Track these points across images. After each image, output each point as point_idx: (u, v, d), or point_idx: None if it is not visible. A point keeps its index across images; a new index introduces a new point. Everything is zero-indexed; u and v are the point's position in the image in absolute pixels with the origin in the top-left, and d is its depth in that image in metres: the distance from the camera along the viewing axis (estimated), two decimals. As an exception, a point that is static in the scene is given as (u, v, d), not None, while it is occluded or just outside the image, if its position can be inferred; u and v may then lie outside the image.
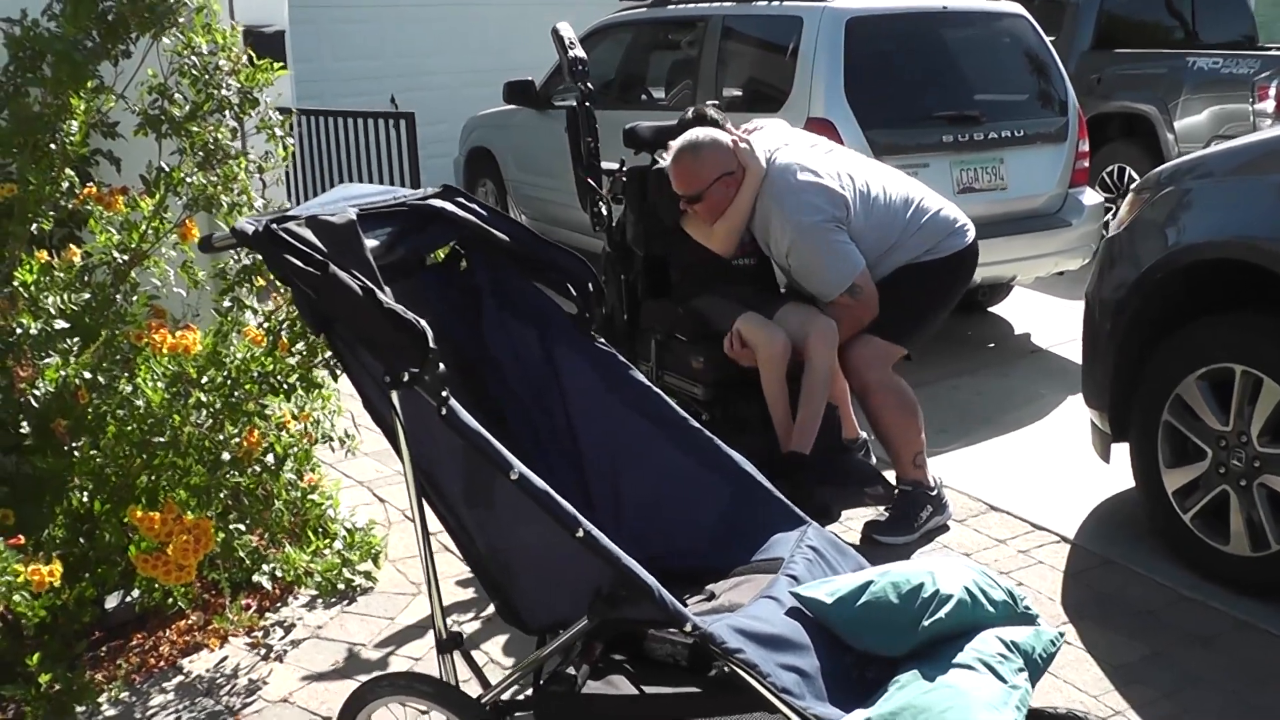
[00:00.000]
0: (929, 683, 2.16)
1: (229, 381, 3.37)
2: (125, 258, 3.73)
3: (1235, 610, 3.70)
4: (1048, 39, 7.08)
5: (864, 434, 4.63)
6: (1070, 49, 9.31)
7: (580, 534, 2.27)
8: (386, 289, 2.40)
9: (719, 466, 2.83)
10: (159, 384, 3.30)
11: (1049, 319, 7.42)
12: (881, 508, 4.33)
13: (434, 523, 4.40)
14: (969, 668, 2.19)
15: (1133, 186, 4.44)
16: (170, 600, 3.60)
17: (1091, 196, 6.99)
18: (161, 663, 3.56)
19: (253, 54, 3.90)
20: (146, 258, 3.80)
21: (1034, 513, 4.49)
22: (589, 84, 4.60)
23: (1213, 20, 10.26)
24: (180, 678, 3.50)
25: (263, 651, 3.62)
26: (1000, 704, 2.11)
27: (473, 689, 2.58)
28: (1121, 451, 4.31)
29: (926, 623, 2.26)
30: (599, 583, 2.32)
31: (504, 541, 2.52)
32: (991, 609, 2.35)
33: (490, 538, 2.53)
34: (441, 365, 2.32)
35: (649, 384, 2.88)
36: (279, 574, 3.86)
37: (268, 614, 3.82)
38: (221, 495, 3.40)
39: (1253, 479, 3.74)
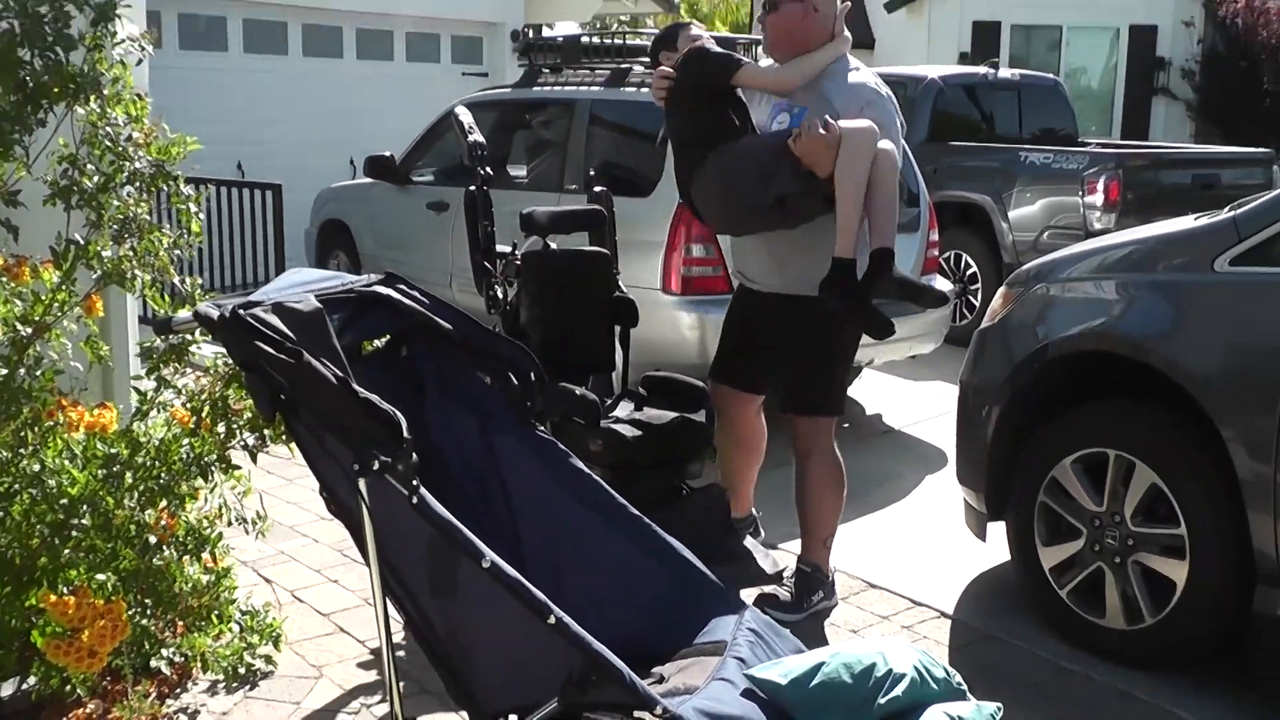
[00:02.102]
0: (890, 760, 2.28)
1: (156, 463, 3.32)
2: (28, 330, 3.65)
3: (1115, 681, 3.93)
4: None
5: (755, 511, 4.76)
6: (907, 141, 9.80)
7: (552, 620, 2.34)
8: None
9: (658, 553, 2.92)
10: (84, 464, 3.23)
11: (899, 400, 7.75)
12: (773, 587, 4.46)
13: (333, 603, 4.42)
14: (925, 744, 2.32)
15: (1005, 281, 4.72)
16: (69, 688, 3.50)
17: (942, 283, 7.35)
18: (63, 755, 3.45)
19: (166, 127, 3.89)
20: (48, 330, 3.73)
21: (912, 589, 4.68)
22: (488, 168, 4.69)
23: (1037, 117, 10.92)
24: (85, 770, 3.40)
25: (168, 741, 3.55)
26: (960, 779, 2.24)
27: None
28: (993, 529, 4.55)
29: (883, 700, 2.38)
30: (566, 667, 2.39)
31: (467, 628, 2.56)
32: (935, 686, 2.49)
33: (452, 624, 2.57)
34: (414, 455, 2.38)
35: (589, 471, 2.97)
36: (177, 658, 3.79)
37: (169, 700, 3.73)
38: (148, 578, 3.34)
39: (1127, 556, 4.00)
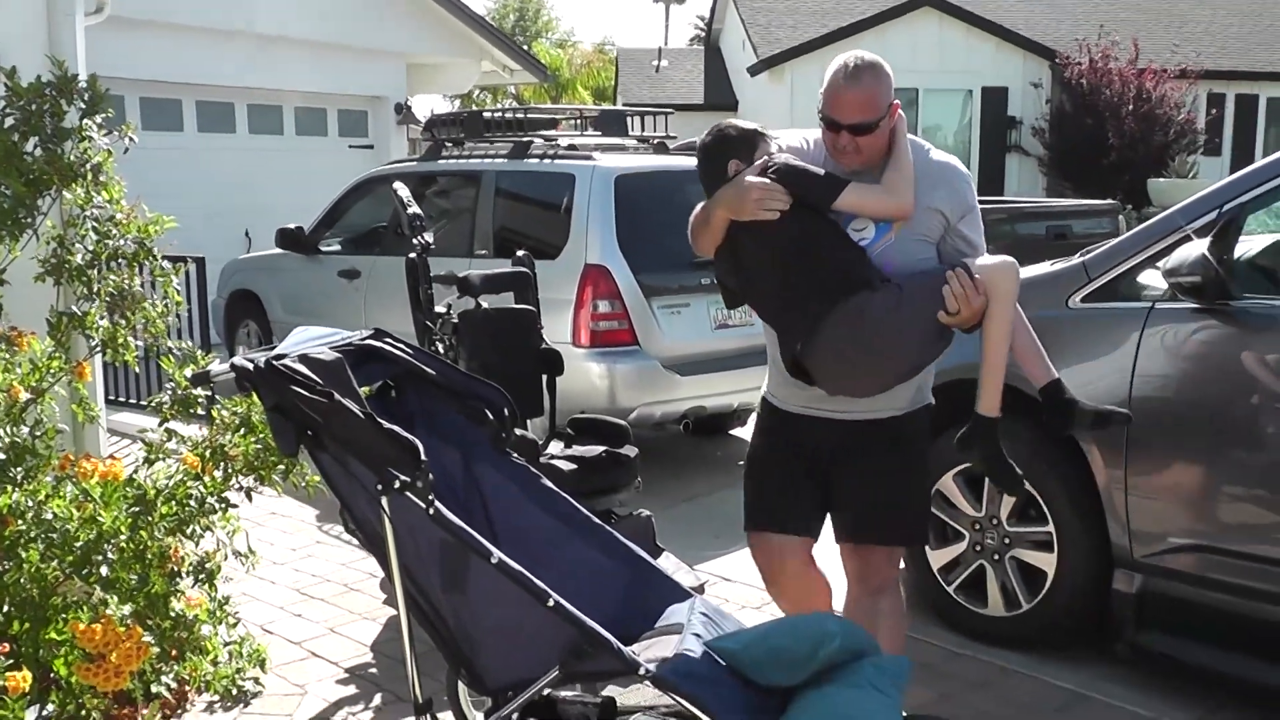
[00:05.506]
0: (828, 701, 2.84)
1: (172, 501, 3.76)
2: (27, 394, 4.07)
3: (999, 660, 4.57)
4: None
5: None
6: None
7: (551, 603, 2.86)
8: (368, 414, 2.95)
9: (619, 554, 3.45)
10: (104, 505, 3.66)
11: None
12: None
13: (302, 633, 4.83)
14: (856, 687, 2.88)
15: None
16: (85, 713, 3.89)
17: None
18: (80, 775, 3.84)
19: (145, 207, 4.35)
20: (43, 394, 4.15)
21: (819, 597, 5.26)
22: (426, 238, 5.20)
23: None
24: (104, 785, 3.79)
25: (176, 757, 3.96)
26: (887, 709, 2.81)
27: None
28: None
29: (820, 655, 2.94)
30: (559, 644, 2.90)
31: (475, 617, 3.05)
32: (860, 644, 3.05)
33: (461, 615, 3.06)
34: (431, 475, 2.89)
35: (557, 490, 3.49)
36: (174, 683, 4.19)
37: (171, 721, 4.15)
38: (166, 604, 3.76)
39: (1004, 553, 4.65)
